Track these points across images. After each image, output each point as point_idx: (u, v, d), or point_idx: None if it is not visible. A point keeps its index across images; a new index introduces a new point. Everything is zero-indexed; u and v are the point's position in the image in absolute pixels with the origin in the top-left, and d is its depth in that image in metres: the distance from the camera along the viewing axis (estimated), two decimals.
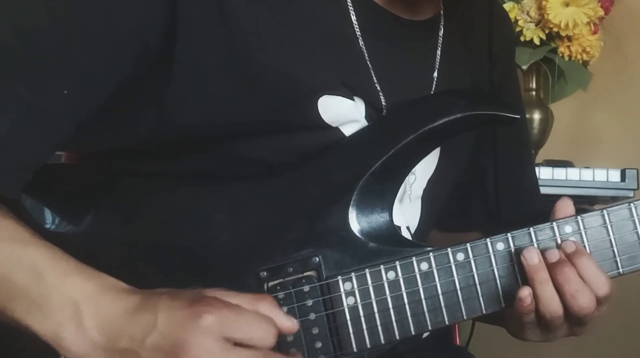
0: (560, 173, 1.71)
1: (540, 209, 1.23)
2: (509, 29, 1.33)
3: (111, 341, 0.83)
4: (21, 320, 0.85)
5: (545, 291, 0.93)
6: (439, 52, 1.09)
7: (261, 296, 0.89)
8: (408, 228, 1.07)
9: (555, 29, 1.99)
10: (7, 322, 0.87)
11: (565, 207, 0.98)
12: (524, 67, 1.98)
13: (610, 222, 0.97)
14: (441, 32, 1.10)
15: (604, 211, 0.97)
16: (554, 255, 0.94)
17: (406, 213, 1.07)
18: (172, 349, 0.81)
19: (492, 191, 1.16)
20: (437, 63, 1.09)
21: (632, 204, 0.97)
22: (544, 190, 1.65)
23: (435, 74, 1.08)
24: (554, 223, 0.97)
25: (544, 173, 1.70)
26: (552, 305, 0.93)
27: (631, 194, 1.70)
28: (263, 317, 0.85)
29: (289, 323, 0.88)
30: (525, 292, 0.93)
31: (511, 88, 1.24)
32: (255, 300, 0.87)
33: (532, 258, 0.94)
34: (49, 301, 0.84)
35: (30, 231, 0.89)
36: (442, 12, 1.11)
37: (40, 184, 0.93)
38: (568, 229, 0.97)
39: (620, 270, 0.97)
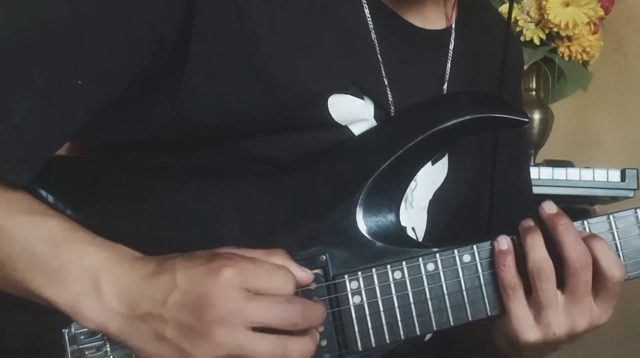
0: (560, 173, 1.70)
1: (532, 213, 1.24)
2: (519, 53, 1.35)
3: (131, 307, 0.84)
4: (39, 290, 0.86)
5: (539, 246, 0.94)
6: (449, 64, 1.10)
7: (274, 250, 0.90)
8: (413, 228, 1.07)
9: (555, 29, 1.99)
10: (25, 295, 0.87)
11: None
12: (524, 67, 1.97)
13: (616, 228, 0.98)
14: (452, 45, 1.10)
15: (610, 216, 0.98)
16: (552, 207, 0.96)
17: (412, 217, 1.07)
18: (196, 303, 0.82)
19: (486, 201, 1.16)
20: (447, 75, 1.09)
21: (638, 211, 0.98)
22: (544, 190, 1.67)
23: (445, 86, 1.09)
24: None
25: (544, 173, 1.69)
26: (543, 261, 0.94)
27: (631, 194, 1.69)
28: (280, 266, 0.87)
29: (303, 274, 0.90)
30: (502, 237, 0.96)
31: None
32: (268, 253, 0.89)
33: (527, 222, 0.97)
34: (68, 270, 0.85)
35: (45, 204, 0.90)
36: (453, 25, 1.11)
37: (45, 177, 0.93)
38: None
39: (626, 275, 0.97)
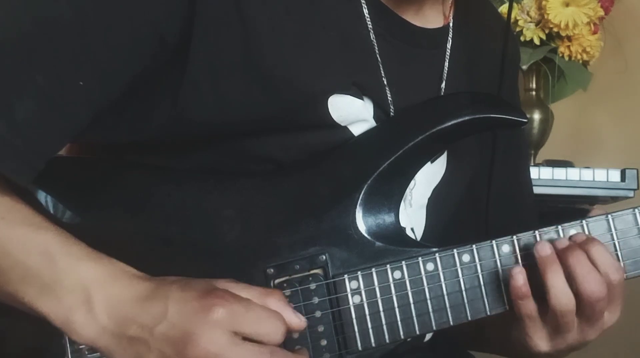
0: (560, 173, 1.70)
1: (534, 216, 1.25)
2: (516, 51, 1.35)
3: (121, 327, 0.84)
4: (32, 303, 0.86)
5: (557, 282, 0.93)
6: (446, 62, 1.10)
7: (270, 291, 0.90)
8: (412, 229, 1.07)
9: (555, 29, 1.99)
10: (18, 306, 0.87)
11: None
12: (524, 67, 1.97)
13: (614, 227, 0.98)
14: (449, 44, 1.11)
15: (609, 216, 0.98)
16: (563, 242, 0.95)
17: (411, 217, 1.07)
18: (181, 340, 0.82)
19: (484, 200, 1.16)
20: (445, 73, 1.09)
21: (636, 210, 0.98)
22: (544, 190, 1.67)
23: (443, 84, 1.09)
24: (559, 227, 0.98)
25: (544, 173, 1.69)
26: (563, 297, 0.93)
27: (631, 194, 1.69)
28: (273, 313, 0.87)
29: (297, 320, 0.89)
30: (516, 269, 0.94)
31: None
32: (265, 294, 0.88)
33: (544, 249, 0.94)
34: (61, 284, 0.85)
35: (42, 216, 0.90)
36: (451, 24, 1.12)
37: (45, 177, 0.92)
38: (572, 233, 0.97)
39: (624, 275, 0.97)
